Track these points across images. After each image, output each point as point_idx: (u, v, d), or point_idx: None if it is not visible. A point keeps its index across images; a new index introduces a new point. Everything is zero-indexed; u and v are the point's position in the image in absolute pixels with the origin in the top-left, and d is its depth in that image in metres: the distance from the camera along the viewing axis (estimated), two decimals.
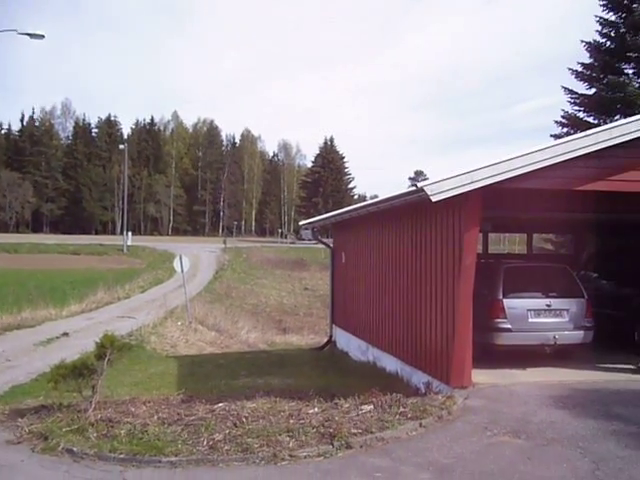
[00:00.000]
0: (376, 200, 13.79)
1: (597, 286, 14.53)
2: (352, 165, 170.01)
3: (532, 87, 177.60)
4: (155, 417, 8.60)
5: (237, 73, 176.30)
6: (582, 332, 11.26)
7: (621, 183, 9.48)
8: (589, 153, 9.16)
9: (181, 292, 29.25)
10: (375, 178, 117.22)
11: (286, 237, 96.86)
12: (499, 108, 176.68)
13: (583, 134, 9.16)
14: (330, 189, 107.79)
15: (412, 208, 10.79)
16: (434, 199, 8.58)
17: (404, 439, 7.72)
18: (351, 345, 16.03)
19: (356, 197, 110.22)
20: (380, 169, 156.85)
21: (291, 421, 8.20)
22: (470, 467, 6.75)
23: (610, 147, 9.29)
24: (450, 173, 8.72)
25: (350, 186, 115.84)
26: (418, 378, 10.61)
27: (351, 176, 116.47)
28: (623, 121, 9.56)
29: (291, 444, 7.41)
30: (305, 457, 7.19)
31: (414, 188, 8.99)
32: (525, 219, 14.69)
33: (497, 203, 9.71)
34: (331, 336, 18.63)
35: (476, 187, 8.69)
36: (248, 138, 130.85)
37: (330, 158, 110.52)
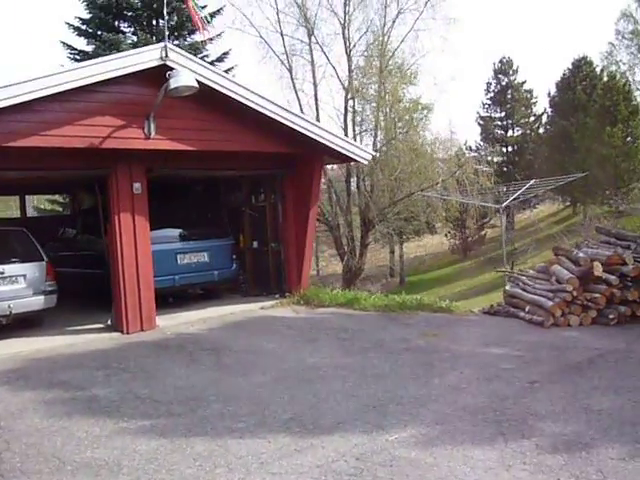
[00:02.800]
0: None
1: (82, 245, 14.25)
2: None
3: None
4: None
5: None
6: (43, 297, 10.66)
7: (59, 139, 8.94)
8: (18, 104, 8.30)
9: None
10: None
11: None
12: None
13: (4, 84, 8.19)
14: None
15: None
16: None
17: None
18: None
19: None
20: None
21: None
22: None
23: (44, 99, 8.64)
24: None
25: None
26: None
27: None
28: (57, 70, 8.94)
29: None
30: None
31: None
32: (8, 180, 13.49)
33: None
34: None
35: None
36: None
37: None
